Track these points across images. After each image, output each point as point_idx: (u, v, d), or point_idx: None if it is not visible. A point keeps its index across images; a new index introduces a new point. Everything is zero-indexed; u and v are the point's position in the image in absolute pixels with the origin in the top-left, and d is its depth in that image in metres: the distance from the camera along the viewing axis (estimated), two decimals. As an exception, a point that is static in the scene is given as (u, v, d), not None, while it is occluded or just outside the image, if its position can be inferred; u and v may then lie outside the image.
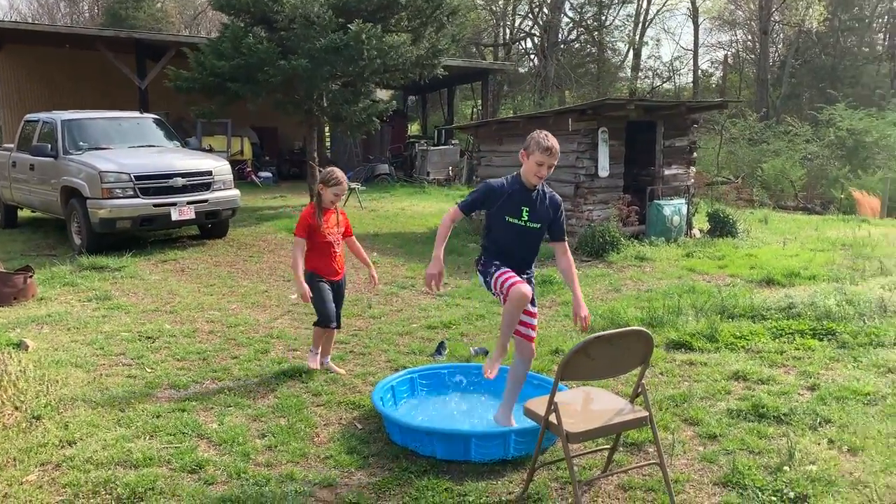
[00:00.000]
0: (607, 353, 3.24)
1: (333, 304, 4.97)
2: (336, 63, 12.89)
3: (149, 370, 5.15)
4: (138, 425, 4.16)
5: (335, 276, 5.02)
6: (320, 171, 16.53)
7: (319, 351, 5.14)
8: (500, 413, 4.02)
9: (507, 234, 3.83)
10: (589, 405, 3.55)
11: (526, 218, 3.83)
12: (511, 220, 3.81)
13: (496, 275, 3.79)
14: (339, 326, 5.19)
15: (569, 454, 3.18)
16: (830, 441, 3.84)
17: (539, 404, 3.44)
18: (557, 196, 3.97)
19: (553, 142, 3.77)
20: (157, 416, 4.30)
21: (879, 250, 9.70)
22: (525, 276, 3.90)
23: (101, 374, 5.02)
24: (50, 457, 3.79)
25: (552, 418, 3.24)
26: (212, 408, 4.47)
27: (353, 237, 5.19)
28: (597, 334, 3.22)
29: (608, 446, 3.68)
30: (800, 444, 3.78)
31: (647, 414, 3.35)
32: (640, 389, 3.41)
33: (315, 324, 5.07)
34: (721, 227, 10.99)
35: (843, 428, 3.99)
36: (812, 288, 7.18)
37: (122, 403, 4.48)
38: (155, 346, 5.73)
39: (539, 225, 3.87)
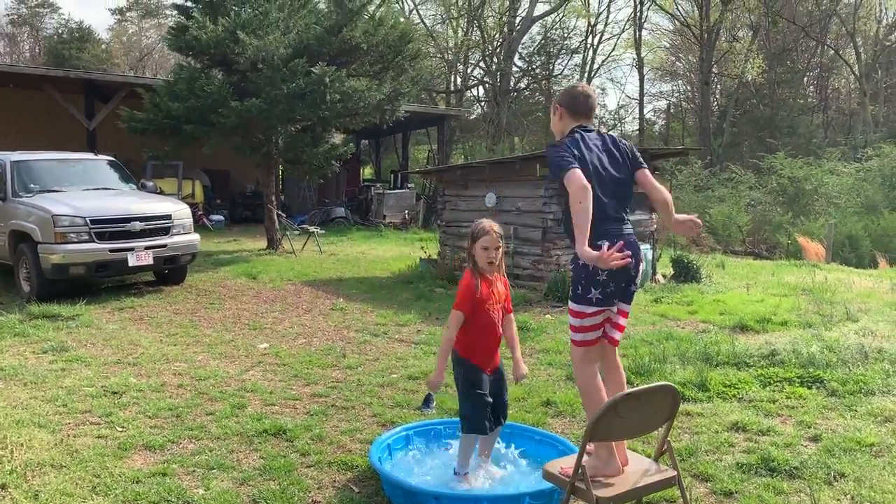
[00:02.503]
0: (636, 411, 3.10)
1: (491, 401, 3.87)
2: (298, 107, 12.73)
3: (119, 429, 4.78)
4: (117, 493, 3.80)
5: (495, 365, 3.97)
6: (278, 215, 16.04)
7: (468, 469, 3.89)
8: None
9: None
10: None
11: None
12: None
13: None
14: (505, 418, 4.08)
15: (599, 519, 3.01)
16: (852, 498, 3.74)
17: (560, 466, 3.27)
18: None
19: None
20: (137, 482, 3.95)
21: (839, 295, 9.88)
22: None
23: (69, 435, 4.63)
24: (20, 532, 3.43)
25: (579, 483, 3.07)
26: (194, 470, 4.15)
27: (512, 314, 4.06)
28: (625, 391, 3.09)
29: (627, 507, 3.51)
30: (821, 500, 3.68)
31: (675, 473, 3.21)
32: (664, 447, 3.27)
33: (462, 430, 3.89)
34: (685, 273, 11.08)
35: (859, 482, 3.90)
36: (788, 334, 7.21)
37: (96, 468, 4.11)
38: (122, 402, 5.34)
39: None
